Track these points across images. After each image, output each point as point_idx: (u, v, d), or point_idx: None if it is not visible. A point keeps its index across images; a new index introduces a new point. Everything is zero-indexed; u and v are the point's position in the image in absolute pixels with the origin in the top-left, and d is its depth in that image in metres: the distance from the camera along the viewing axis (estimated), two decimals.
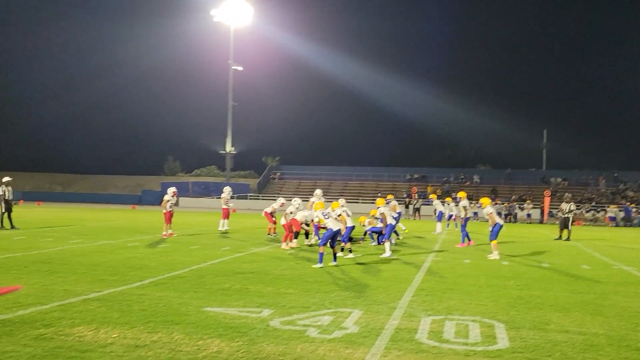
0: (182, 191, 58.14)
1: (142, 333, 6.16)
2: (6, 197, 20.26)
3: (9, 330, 6.11)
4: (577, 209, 31.62)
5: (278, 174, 68.07)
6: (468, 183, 61.31)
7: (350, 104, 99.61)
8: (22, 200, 50.07)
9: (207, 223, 26.86)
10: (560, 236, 22.65)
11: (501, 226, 14.95)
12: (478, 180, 61.70)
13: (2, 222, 19.99)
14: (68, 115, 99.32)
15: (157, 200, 59.22)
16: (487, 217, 15.14)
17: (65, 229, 20.64)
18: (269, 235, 19.09)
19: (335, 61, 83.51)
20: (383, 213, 15.14)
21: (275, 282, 9.89)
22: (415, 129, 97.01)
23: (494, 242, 14.79)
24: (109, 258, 12.57)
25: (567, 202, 23.33)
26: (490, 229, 14.93)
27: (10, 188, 20.59)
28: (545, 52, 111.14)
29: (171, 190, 19.21)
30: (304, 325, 6.72)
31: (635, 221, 39.83)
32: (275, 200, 21.00)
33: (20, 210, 30.74)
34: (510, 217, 41.83)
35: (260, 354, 5.54)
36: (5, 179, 20.65)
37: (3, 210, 20.14)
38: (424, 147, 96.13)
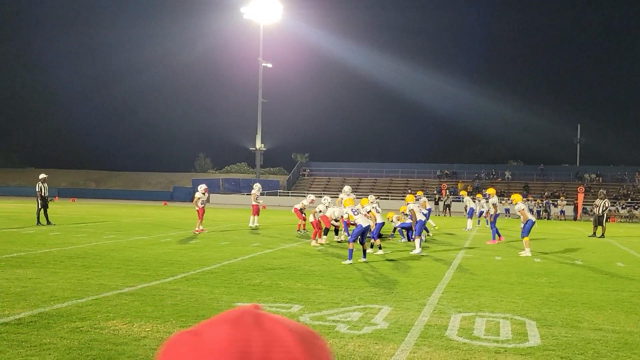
0: (213, 188, 58.66)
1: (174, 327, 6.26)
2: (42, 194, 20.74)
3: (46, 323, 6.28)
4: (611, 205, 30.99)
5: (307, 170, 68.25)
6: (499, 179, 60.60)
7: (380, 100, 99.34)
8: (57, 197, 51.23)
9: (238, 219, 27.10)
10: (595, 233, 22.25)
11: (533, 223, 14.73)
12: (510, 177, 60.90)
13: (38, 218, 20.48)
14: (102, 114, 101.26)
15: (189, 196, 59.95)
16: (518, 213, 14.94)
17: (99, 225, 21.06)
18: (299, 232, 19.15)
19: (365, 57, 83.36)
20: (412, 210, 15.08)
21: (305, 278, 9.94)
22: (445, 125, 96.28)
23: (525, 239, 14.59)
24: (142, 253, 12.79)
25: (601, 199, 22.90)
26: (522, 225, 14.73)
27: (46, 185, 21.07)
28: (580, 45, 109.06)
29: (202, 187, 19.42)
30: (334, 321, 6.76)
31: None
32: (305, 196, 21.05)
33: (56, 207, 31.46)
34: (544, 214, 41.23)
35: None
36: (42, 176, 21.16)
37: (39, 207, 20.63)
38: (454, 143, 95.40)
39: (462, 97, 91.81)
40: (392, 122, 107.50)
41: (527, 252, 14.39)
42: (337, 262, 12.09)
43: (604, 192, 24.18)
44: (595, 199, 24.38)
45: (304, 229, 19.33)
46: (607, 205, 22.65)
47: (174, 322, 6.50)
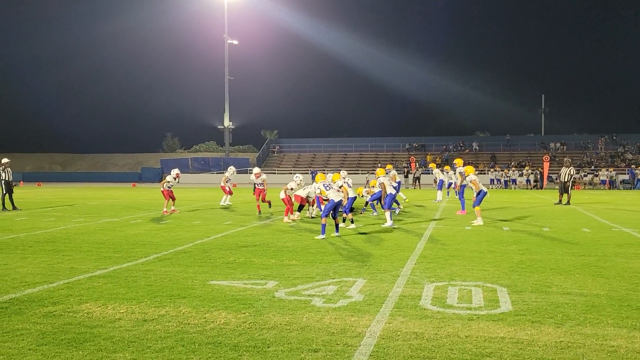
0: (182, 167, 58.06)
1: (149, 308, 6.23)
2: (5, 179, 20.27)
3: (17, 309, 6.18)
4: (576, 173, 31.65)
5: (277, 147, 68.05)
6: (467, 151, 61.33)
7: (349, 76, 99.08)
8: (22, 182, 50.13)
9: (208, 198, 26.93)
10: (560, 201, 22.74)
11: (485, 193, 15.15)
12: (477, 148, 61.73)
13: (3, 203, 20.03)
14: (62, 92, 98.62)
15: (157, 177, 59.35)
16: (470, 184, 15.32)
17: (67, 209, 20.69)
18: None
19: (331, 34, 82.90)
20: (382, 183, 15.17)
21: (279, 254, 9.96)
22: (413, 101, 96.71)
23: (477, 209, 14.98)
24: (113, 235, 12.64)
25: (566, 167, 23.37)
26: (475, 195, 15.10)
27: (9, 169, 20.58)
28: (543, 15, 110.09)
29: (175, 171, 19.22)
30: (309, 295, 6.80)
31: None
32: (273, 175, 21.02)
33: (21, 192, 30.80)
34: (512, 184, 42.06)
35: (267, 324, 5.61)
36: (4, 160, 20.62)
37: (4, 192, 20.18)
38: (422, 117, 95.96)
39: (427, 73, 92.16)
40: (361, 99, 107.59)
41: (479, 221, 14.76)
42: (310, 238, 12.13)
43: (569, 160, 24.67)
44: (561, 167, 24.88)
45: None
46: (572, 173, 23.13)
47: (148, 302, 6.46)
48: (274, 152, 67.09)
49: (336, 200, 12.36)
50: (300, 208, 16.48)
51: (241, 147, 78.09)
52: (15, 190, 21.20)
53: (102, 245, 11.04)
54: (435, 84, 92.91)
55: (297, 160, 64.06)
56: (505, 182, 42.49)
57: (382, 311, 6.10)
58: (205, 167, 62.70)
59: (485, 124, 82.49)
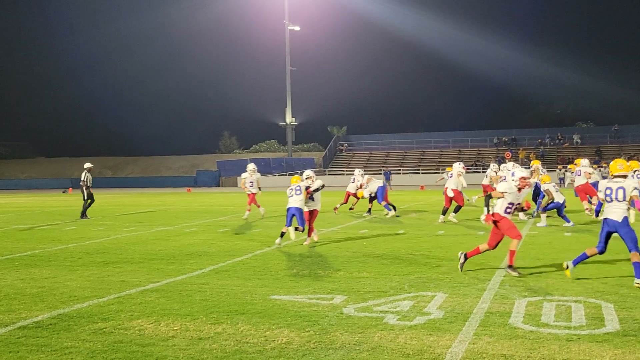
0: (241, 170, 59.12)
1: (205, 325, 6.40)
2: (88, 184, 21.23)
3: (66, 325, 6.49)
4: None
5: (345, 145, 68.21)
6: (567, 144, 59.41)
7: (426, 62, 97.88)
8: (71, 189, 52.47)
9: (269, 203, 27.32)
10: None
11: (559, 205, 15.68)
12: (578, 141, 59.68)
13: (85, 211, 21.02)
14: (111, 92, 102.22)
15: (214, 180, 60.79)
16: (544, 192, 15.83)
17: (118, 217, 21.52)
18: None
19: (406, 16, 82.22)
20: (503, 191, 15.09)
21: (348, 265, 10.01)
22: (500, 89, 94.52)
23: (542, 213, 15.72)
24: (166, 246, 13.05)
25: None
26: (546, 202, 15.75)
27: (90, 175, 21.55)
28: None
29: (250, 166, 20.04)
30: (381, 312, 6.80)
31: None
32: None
33: (70, 199, 32.22)
34: None
35: (334, 344, 5.66)
36: (87, 165, 21.73)
37: (88, 199, 21.14)
38: (512, 106, 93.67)
39: (518, 55, 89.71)
40: (440, 88, 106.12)
41: (543, 223, 15.58)
42: (383, 247, 12.12)
43: None
44: None
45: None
46: None
47: (204, 319, 6.65)
48: (342, 150, 67.30)
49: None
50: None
51: (305, 145, 78.73)
52: (64, 197, 22.22)
53: (154, 257, 11.42)
54: (526, 68, 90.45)
55: (368, 159, 64.03)
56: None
57: (465, 330, 6.03)
58: (266, 168, 63.56)
59: (588, 113, 79.41)
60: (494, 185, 19.84)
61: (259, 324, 6.39)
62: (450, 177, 17.06)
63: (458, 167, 17.22)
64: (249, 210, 19.45)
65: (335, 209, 20.49)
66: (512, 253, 9.02)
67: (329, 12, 78.81)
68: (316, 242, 12.89)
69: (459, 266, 9.33)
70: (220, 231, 15.92)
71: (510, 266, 8.99)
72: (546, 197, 15.67)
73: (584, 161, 18.90)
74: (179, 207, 26.50)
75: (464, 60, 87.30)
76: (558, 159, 53.15)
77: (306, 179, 13.03)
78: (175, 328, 6.31)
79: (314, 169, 60.12)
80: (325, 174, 59.21)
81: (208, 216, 20.87)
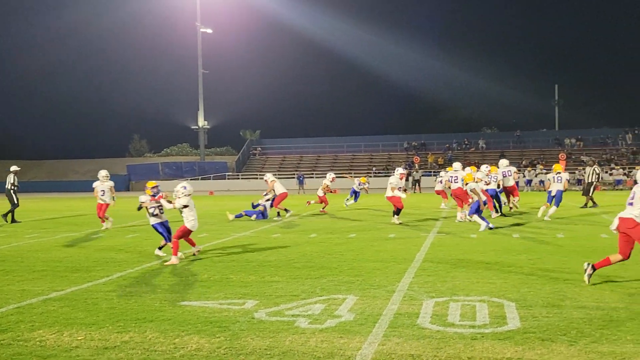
0: (152, 173, 57.91)
1: (111, 334, 6.20)
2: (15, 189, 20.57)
3: None
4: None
5: (259, 149, 68.00)
6: (473, 149, 61.59)
7: (339, 67, 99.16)
8: None
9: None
10: (586, 204, 22.78)
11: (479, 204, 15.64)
12: (484, 146, 62.02)
13: (13, 215, 20.37)
14: (13, 92, 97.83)
15: (123, 185, 59.07)
16: (470, 192, 15.97)
17: (20, 223, 20.53)
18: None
19: (319, 20, 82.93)
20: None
21: (260, 269, 9.95)
22: (411, 94, 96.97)
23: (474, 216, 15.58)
24: (72, 253, 12.58)
25: (590, 166, 23.63)
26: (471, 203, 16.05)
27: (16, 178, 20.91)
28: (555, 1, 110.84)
29: (102, 173, 19.12)
30: (293, 316, 6.80)
31: None
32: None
33: None
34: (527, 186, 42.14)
35: (245, 349, 5.60)
36: (13, 168, 21.05)
37: (16, 202, 20.53)
38: (422, 112, 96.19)
39: (428, 64, 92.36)
40: (352, 93, 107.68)
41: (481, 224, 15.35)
42: (295, 250, 12.13)
43: (593, 158, 25.01)
44: (582, 165, 25.18)
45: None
46: (597, 171, 23.34)
47: (110, 327, 6.43)
48: (255, 154, 67.07)
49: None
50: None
51: (218, 149, 77.96)
52: None
53: (58, 264, 10.97)
54: (436, 74, 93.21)
55: (281, 163, 64.10)
56: (517, 183, 42.66)
57: (374, 332, 6.11)
58: (177, 173, 62.43)
59: (493, 119, 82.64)
60: (443, 189, 20.93)
61: (168, 331, 6.25)
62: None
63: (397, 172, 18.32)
64: (105, 220, 18.15)
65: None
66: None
67: (243, 15, 78.47)
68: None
69: (585, 278, 8.23)
70: (129, 237, 15.49)
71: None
72: (475, 197, 15.78)
73: (503, 162, 20.44)
74: (87, 212, 25.58)
75: (377, 65, 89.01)
76: (464, 163, 54.87)
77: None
78: (79, 338, 6.07)
79: (227, 173, 59.64)
80: (239, 178, 58.84)
81: (116, 222, 20.25)
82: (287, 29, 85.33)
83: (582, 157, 53.43)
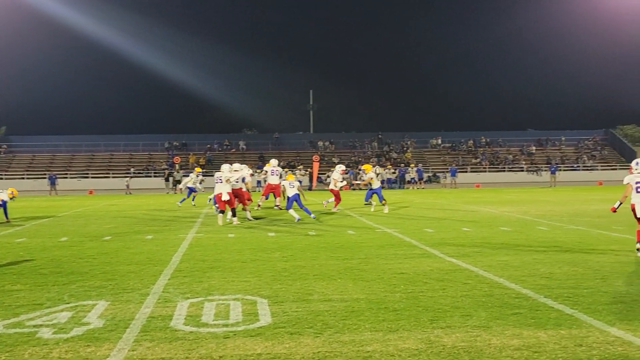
0: None
1: None
2: None
3: None
4: (346, 173, 34.14)
5: (5, 146, 62.04)
6: (234, 150, 62.53)
7: (96, 61, 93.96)
8: None
9: None
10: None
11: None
12: (244, 147, 63.26)
13: None
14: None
15: None
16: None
17: None
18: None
19: (73, 7, 77.47)
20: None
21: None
22: (174, 92, 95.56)
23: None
24: None
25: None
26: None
27: None
28: (309, 8, 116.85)
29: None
30: (35, 326, 6.28)
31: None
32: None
33: None
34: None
35: None
36: None
37: None
38: (186, 111, 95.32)
39: (189, 62, 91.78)
40: (111, 88, 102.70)
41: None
42: (41, 256, 11.27)
43: (342, 166, 26.52)
44: (331, 166, 26.75)
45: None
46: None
47: None
48: (0, 152, 61.14)
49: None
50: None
51: None
52: None
53: None
54: (198, 74, 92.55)
55: (31, 162, 59.21)
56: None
57: (125, 337, 5.88)
58: None
59: (253, 122, 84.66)
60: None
61: None
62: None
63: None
64: None
65: None
66: None
67: None
68: None
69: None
70: None
71: None
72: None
73: (274, 161, 22.57)
74: None
75: (138, 60, 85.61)
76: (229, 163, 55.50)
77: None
78: None
79: None
80: None
81: None
82: (39, 18, 78.51)
83: (333, 158, 57.04)
